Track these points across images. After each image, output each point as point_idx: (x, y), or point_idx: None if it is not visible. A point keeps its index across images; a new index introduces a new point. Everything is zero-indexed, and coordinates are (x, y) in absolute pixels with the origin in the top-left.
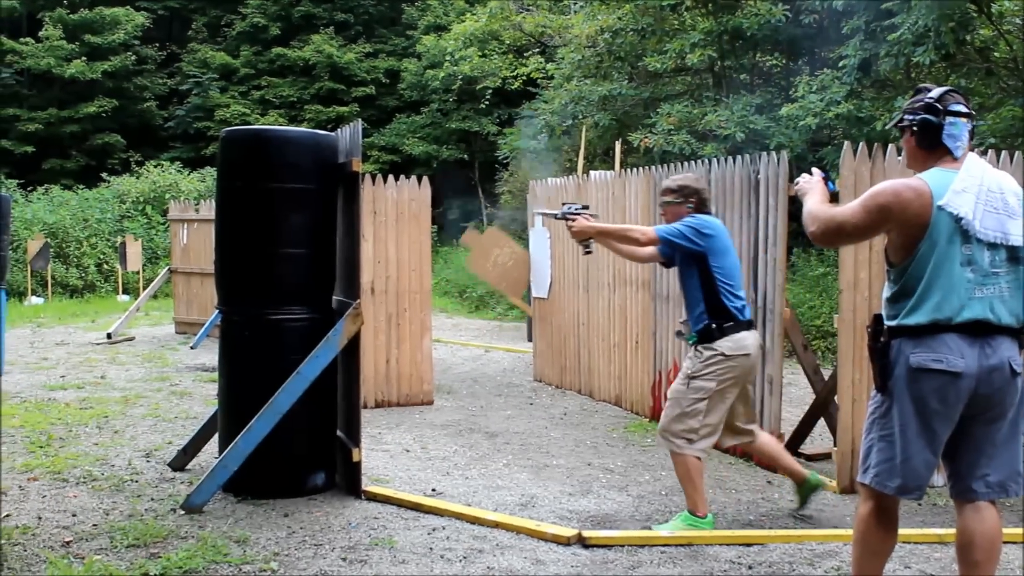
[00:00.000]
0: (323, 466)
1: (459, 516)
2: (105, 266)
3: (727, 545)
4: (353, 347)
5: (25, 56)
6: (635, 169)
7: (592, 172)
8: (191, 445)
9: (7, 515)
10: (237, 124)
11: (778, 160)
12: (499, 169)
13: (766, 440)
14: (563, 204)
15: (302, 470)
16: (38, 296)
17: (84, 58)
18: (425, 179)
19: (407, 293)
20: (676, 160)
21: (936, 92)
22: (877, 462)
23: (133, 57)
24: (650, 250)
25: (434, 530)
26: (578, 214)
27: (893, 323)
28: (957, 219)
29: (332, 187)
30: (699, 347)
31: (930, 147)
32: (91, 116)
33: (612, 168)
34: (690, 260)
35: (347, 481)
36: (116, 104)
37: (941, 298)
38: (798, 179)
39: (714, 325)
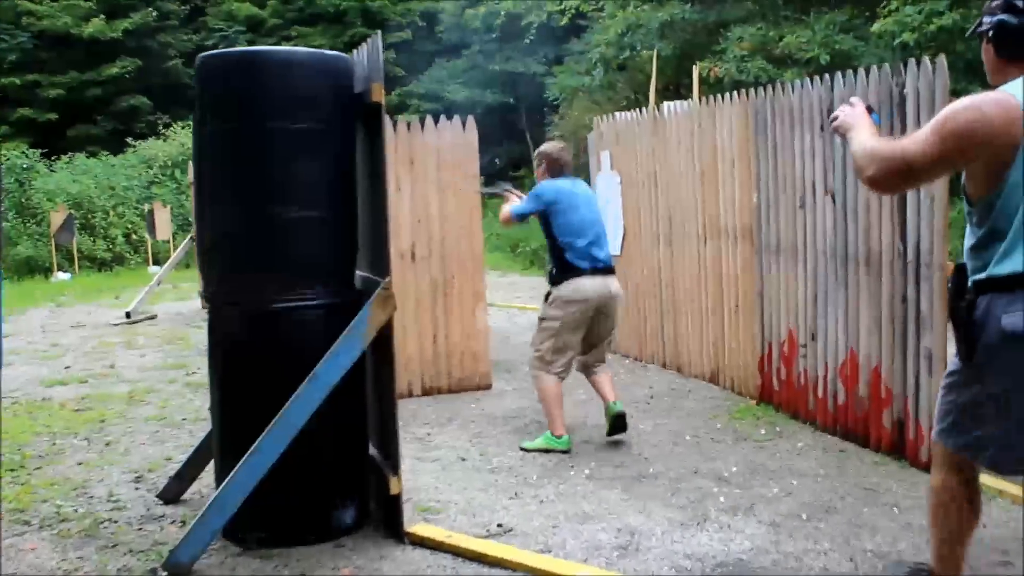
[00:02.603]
0: (352, 496)
1: (538, 574)
2: (134, 236)
3: None
4: (384, 340)
5: (41, 17)
6: (727, 96)
7: (667, 103)
8: (187, 469)
9: None
10: None
11: (933, 69)
12: (548, 112)
13: (604, 374)
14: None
15: (325, 506)
16: (64, 272)
17: (103, 16)
18: (471, 120)
19: (455, 256)
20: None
21: None
22: (954, 420)
23: (155, 13)
24: None
25: None
26: (510, 191)
27: (981, 275)
28: None
29: (349, 126)
30: (550, 290)
31: (1012, 55)
32: (114, 78)
33: (685, 100)
34: (541, 220)
35: (386, 516)
36: (140, 64)
37: None
38: (835, 112)
39: (556, 273)
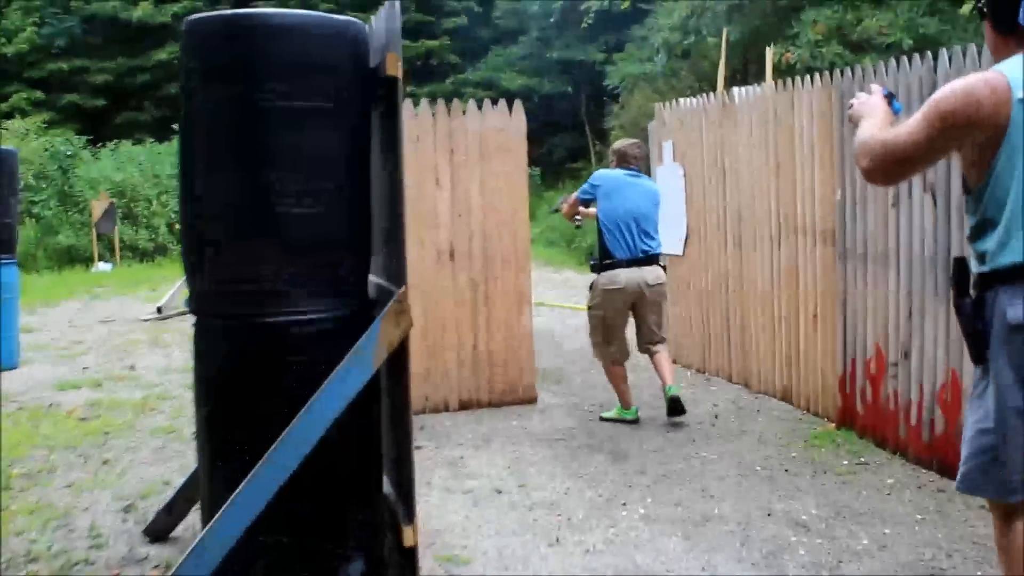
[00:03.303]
0: (360, 547)
1: None
2: (177, 226)
3: None
4: (398, 362)
5: (90, 0)
6: (807, 78)
7: (737, 89)
8: (178, 500)
9: None
10: None
11: None
12: (607, 101)
13: (659, 356)
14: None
15: (326, 558)
16: (106, 262)
17: (152, 0)
18: (518, 104)
19: (498, 255)
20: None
21: None
22: (966, 458)
23: None
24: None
25: None
26: (564, 204)
27: (985, 268)
28: None
29: (363, 105)
30: (595, 279)
31: (1008, 30)
32: (162, 63)
33: (757, 84)
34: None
35: (401, 572)
36: None
37: None
38: (852, 100)
39: (597, 262)
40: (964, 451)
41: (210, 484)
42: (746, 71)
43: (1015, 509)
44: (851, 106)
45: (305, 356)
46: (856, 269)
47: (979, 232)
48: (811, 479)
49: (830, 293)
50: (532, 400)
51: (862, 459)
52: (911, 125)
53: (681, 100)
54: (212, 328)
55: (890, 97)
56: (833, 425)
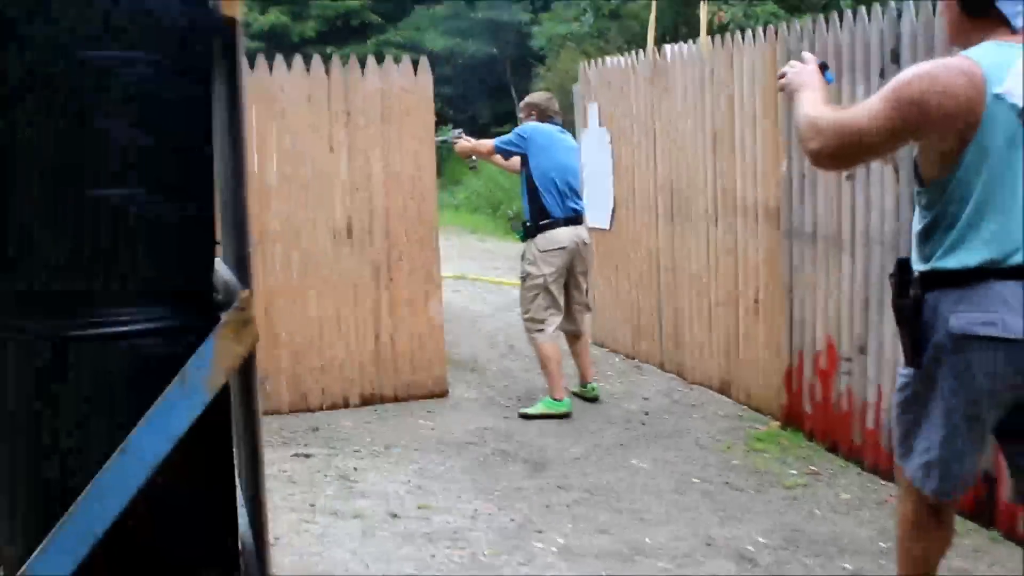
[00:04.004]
0: None
1: None
2: None
3: None
4: (244, 384)
5: None
6: (747, 33)
7: (669, 46)
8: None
9: None
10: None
11: None
12: (533, 63)
13: (581, 343)
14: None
15: None
16: None
17: None
18: (424, 63)
19: (402, 233)
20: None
21: None
22: (919, 455)
23: None
24: (515, 160)
25: None
26: (459, 138)
27: (925, 267)
28: (1022, 113)
29: (199, 59)
30: (526, 246)
31: (977, 12)
32: None
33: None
34: (521, 164)
35: None
36: None
37: (998, 228)
38: (783, 68)
39: (531, 224)
40: (918, 446)
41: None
42: (676, 32)
43: (936, 505)
44: (783, 75)
45: (121, 379)
46: (804, 251)
47: (931, 229)
48: (756, 494)
49: (774, 278)
50: (443, 394)
51: (812, 467)
52: (872, 108)
53: (607, 59)
54: (11, 343)
55: (823, 67)
56: (777, 424)
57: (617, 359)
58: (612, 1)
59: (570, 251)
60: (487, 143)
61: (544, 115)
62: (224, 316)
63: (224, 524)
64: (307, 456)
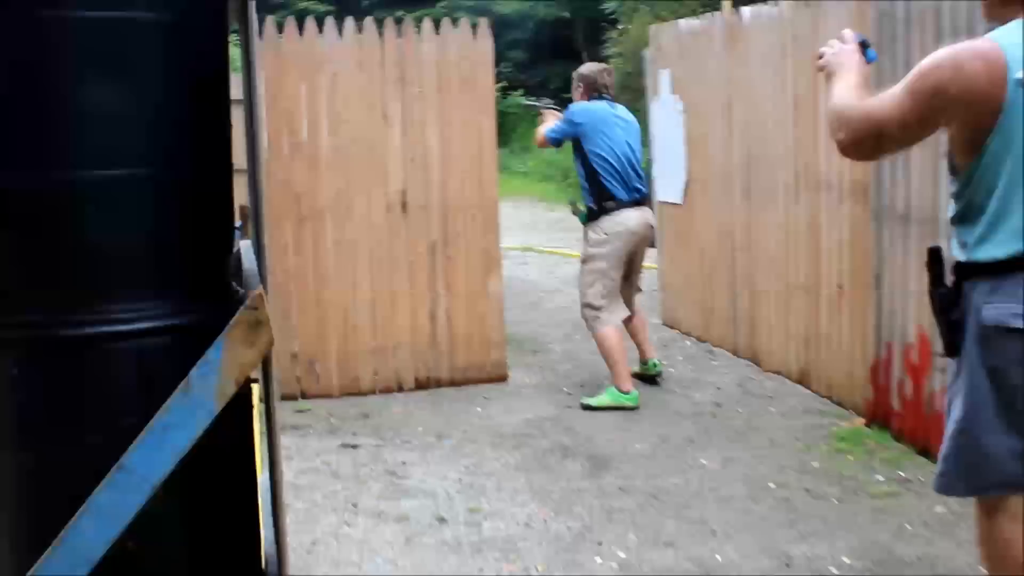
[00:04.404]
0: None
1: None
2: None
3: None
4: (250, 394)
5: None
6: None
7: (747, 8)
8: None
9: None
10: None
11: None
12: (605, 27)
13: (637, 321)
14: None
15: None
16: None
17: None
18: (483, 26)
19: (460, 207)
20: None
21: None
22: (943, 455)
23: None
24: None
25: None
26: (549, 110)
27: (962, 258)
28: None
29: (207, 15)
30: (588, 228)
31: None
32: None
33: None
34: (574, 147)
35: None
36: None
37: None
38: (822, 48)
39: (594, 207)
40: (942, 450)
41: None
42: None
43: (997, 505)
44: (821, 55)
45: (120, 386)
46: (895, 234)
47: (962, 219)
48: (839, 504)
49: (861, 262)
50: (502, 378)
51: (901, 473)
52: (894, 97)
53: (680, 22)
54: None
55: (863, 45)
56: (862, 421)
57: (688, 342)
58: None
59: (638, 236)
60: (540, 132)
61: (593, 88)
62: (234, 318)
63: (242, 553)
64: (354, 447)
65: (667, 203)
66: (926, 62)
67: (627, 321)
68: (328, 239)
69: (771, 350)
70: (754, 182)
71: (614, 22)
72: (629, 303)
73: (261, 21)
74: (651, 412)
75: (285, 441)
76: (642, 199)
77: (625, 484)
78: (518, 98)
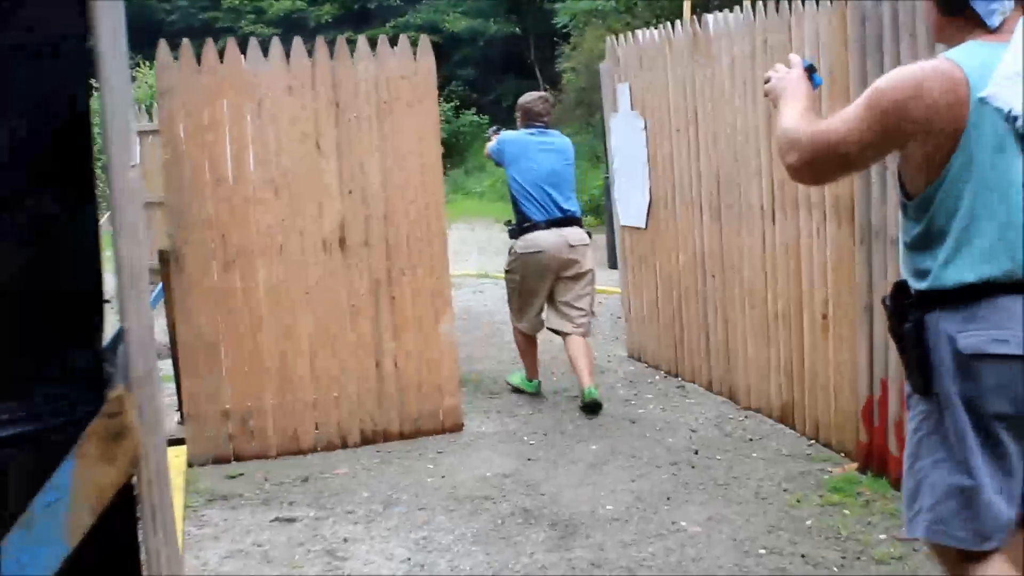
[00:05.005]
0: None
1: None
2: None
3: None
4: (124, 528)
5: None
6: None
7: (711, 16)
8: None
9: None
10: (248, 13)
11: None
12: (558, 42)
13: (574, 343)
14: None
15: None
16: None
17: None
18: (425, 42)
19: (404, 243)
20: None
21: None
22: (932, 503)
23: None
24: None
25: None
26: (496, 132)
27: (923, 286)
28: (1009, 117)
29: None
30: (511, 245)
31: (952, 12)
32: None
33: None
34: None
35: None
36: None
37: (993, 241)
38: (768, 73)
39: (514, 226)
40: (926, 497)
41: None
42: (707, 4)
43: (977, 555)
44: (767, 80)
45: None
46: (887, 257)
47: (922, 244)
48: (841, 573)
49: (846, 289)
50: (457, 428)
51: (905, 529)
52: (849, 117)
53: (639, 32)
54: None
55: (811, 70)
56: (855, 466)
57: (657, 377)
58: None
59: (551, 255)
60: (486, 149)
61: (529, 116)
62: (86, 430)
63: None
64: (291, 520)
65: (629, 227)
66: (884, 81)
67: (565, 340)
68: (259, 282)
69: (749, 385)
70: (725, 202)
71: (566, 36)
72: (563, 317)
73: (177, 46)
74: (622, 462)
75: (212, 516)
76: (565, 219)
77: (596, 557)
78: (471, 116)
